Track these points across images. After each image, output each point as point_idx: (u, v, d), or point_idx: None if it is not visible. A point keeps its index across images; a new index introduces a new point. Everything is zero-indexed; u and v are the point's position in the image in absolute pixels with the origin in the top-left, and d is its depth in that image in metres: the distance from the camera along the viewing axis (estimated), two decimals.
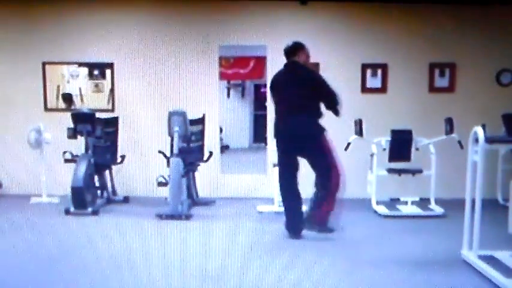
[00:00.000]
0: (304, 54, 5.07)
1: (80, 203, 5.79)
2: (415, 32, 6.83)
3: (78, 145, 6.15)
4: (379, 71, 6.92)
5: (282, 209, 5.14)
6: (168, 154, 5.96)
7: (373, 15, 6.82)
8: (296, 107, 4.88)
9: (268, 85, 5.36)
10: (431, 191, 6.16)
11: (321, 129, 4.89)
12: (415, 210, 6.04)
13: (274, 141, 5.07)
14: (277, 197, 5.56)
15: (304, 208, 5.00)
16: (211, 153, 6.31)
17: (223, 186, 6.85)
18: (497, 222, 4.55)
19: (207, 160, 6.32)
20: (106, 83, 6.98)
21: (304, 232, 4.93)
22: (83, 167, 5.88)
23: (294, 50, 5.04)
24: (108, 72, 6.93)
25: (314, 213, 4.89)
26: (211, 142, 6.68)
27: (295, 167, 4.97)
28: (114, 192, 6.66)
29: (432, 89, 6.94)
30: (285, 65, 5.09)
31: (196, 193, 6.51)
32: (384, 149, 6.09)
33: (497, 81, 6.94)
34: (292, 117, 4.89)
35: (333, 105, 4.93)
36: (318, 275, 3.92)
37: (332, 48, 6.88)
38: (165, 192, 5.85)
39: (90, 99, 6.96)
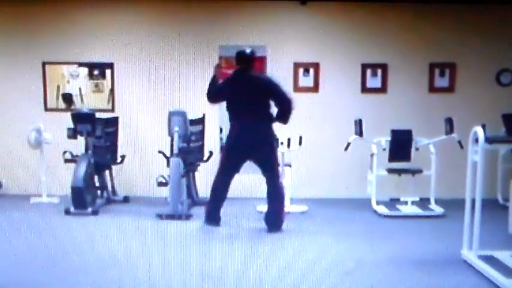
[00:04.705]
0: (255, 66, 5.32)
1: (80, 203, 5.79)
2: (415, 32, 6.82)
3: (78, 145, 6.14)
4: (379, 71, 6.91)
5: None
6: (168, 154, 5.96)
7: (373, 15, 6.81)
8: (253, 114, 5.07)
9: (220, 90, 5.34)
10: (431, 191, 6.16)
11: (275, 137, 5.25)
12: (415, 210, 6.04)
13: (228, 144, 5.25)
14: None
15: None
16: (211, 153, 6.30)
17: None
18: (497, 222, 4.56)
19: (207, 160, 6.32)
20: (106, 83, 6.98)
21: (303, 232, 5.06)
22: (83, 167, 5.88)
23: (249, 60, 5.19)
24: (108, 72, 6.93)
25: (275, 215, 5.15)
26: (211, 142, 6.68)
27: (238, 171, 5.21)
28: (114, 192, 6.65)
29: (432, 89, 6.94)
30: (238, 71, 5.23)
31: (196, 193, 6.50)
32: (384, 149, 6.09)
33: (497, 81, 6.94)
34: (251, 124, 5.05)
35: (287, 111, 5.11)
36: (318, 275, 3.92)
37: (332, 48, 6.88)
38: (165, 192, 5.85)
39: (90, 99, 6.96)
